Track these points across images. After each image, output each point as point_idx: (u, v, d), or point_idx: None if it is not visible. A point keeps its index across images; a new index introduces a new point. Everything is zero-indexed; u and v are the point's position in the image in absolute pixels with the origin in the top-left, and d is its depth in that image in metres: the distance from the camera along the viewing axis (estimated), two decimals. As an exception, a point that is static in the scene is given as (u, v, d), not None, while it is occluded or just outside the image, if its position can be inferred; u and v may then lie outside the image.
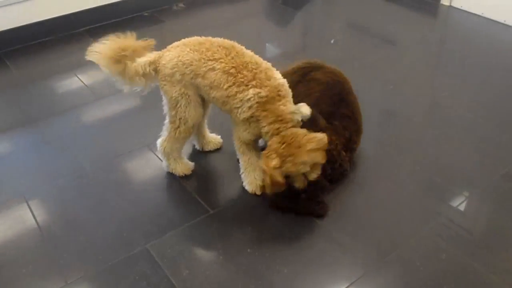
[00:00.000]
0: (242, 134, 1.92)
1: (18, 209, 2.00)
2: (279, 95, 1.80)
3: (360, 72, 2.93)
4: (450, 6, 3.78)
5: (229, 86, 1.81)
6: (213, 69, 1.82)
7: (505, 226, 1.90)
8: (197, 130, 2.22)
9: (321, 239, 1.85)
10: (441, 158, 2.25)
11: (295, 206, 1.95)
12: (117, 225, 1.92)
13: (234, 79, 1.80)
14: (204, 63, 1.83)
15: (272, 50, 3.37)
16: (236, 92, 1.80)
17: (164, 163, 2.15)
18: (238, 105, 1.82)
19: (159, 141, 2.11)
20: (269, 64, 1.88)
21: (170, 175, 2.17)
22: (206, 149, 2.30)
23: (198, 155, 2.31)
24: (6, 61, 3.13)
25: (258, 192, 2.02)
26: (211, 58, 1.83)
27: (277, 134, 1.80)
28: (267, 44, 3.43)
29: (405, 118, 2.48)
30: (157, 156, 2.27)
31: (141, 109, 2.67)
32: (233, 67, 1.80)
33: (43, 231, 1.90)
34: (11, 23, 3.25)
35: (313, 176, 1.86)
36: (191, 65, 1.86)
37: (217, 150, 2.32)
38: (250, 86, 1.78)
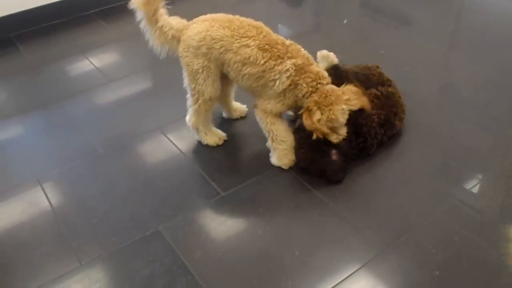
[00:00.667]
0: (276, 106, 1.98)
1: (32, 191, 2.02)
2: (309, 61, 1.94)
3: (373, 53, 2.89)
4: (466, -16, 3.69)
5: (266, 61, 1.90)
6: (247, 45, 1.90)
7: (520, 209, 1.88)
8: (224, 100, 2.31)
9: (333, 221, 1.84)
10: (454, 140, 2.23)
11: (321, 161, 1.98)
12: (130, 207, 1.93)
13: (269, 54, 1.90)
14: (237, 39, 1.91)
15: (284, 31, 3.33)
16: (274, 65, 1.90)
17: (196, 137, 2.23)
18: (276, 77, 1.91)
19: (187, 117, 2.20)
20: (291, 41, 1.99)
21: (182, 158, 2.18)
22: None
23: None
24: (17, 44, 3.14)
25: (286, 167, 2.07)
26: (244, 35, 1.91)
27: (315, 91, 1.91)
28: (279, 25, 3.38)
29: (419, 99, 2.45)
30: (169, 139, 2.27)
31: (153, 92, 2.67)
32: (266, 44, 1.91)
33: (57, 213, 1.92)
34: (22, 6, 3.24)
35: (342, 132, 1.95)
36: (222, 40, 1.92)
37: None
38: (285, 58, 1.90)
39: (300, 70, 1.90)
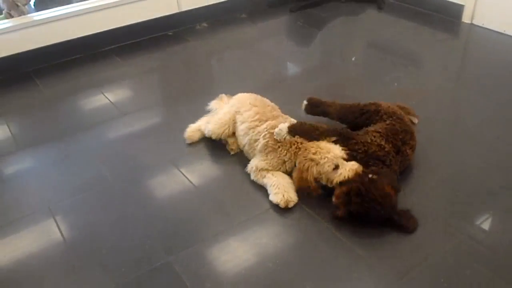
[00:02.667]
0: (260, 163, 2.18)
1: (44, 221, 2.05)
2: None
3: (381, 90, 2.94)
4: (472, 24, 3.77)
5: (253, 120, 2.27)
6: (250, 109, 2.32)
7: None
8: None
9: (344, 254, 1.84)
10: (464, 175, 2.23)
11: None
12: (140, 239, 1.94)
13: (259, 116, 2.28)
14: (247, 108, 2.35)
15: (294, 69, 3.41)
16: (256, 125, 2.25)
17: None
18: (257, 137, 2.22)
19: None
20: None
21: (193, 190, 2.20)
22: (233, 153, 2.44)
23: (220, 164, 2.34)
24: (35, 79, 3.23)
25: (282, 206, 2.06)
26: (253, 104, 2.36)
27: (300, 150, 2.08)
28: (288, 63, 3.47)
29: (427, 135, 2.47)
30: (180, 171, 2.30)
31: (165, 126, 2.72)
32: (263, 111, 2.30)
33: (68, 243, 1.94)
34: (40, 42, 3.36)
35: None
36: (236, 105, 2.42)
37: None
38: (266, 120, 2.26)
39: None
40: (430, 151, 2.38)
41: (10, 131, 2.69)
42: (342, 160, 1.99)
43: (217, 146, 2.46)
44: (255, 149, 2.23)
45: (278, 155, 2.14)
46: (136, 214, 2.07)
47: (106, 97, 2.99)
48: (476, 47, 3.61)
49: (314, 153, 2.01)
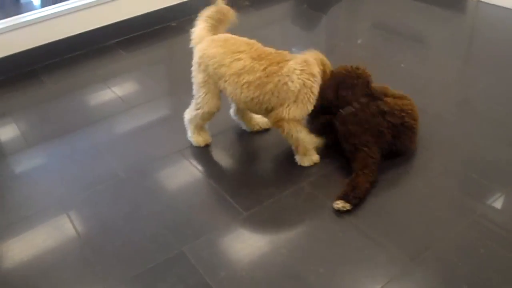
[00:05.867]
0: (296, 111, 2.03)
1: (57, 216, 2.06)
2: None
3: (388, 71, 2.91)
4: (479, 1, 3.71)
5: (266, 67, 1.99)
6: (239, 59, 2.02)
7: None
8: (243, 114, 2.40)
9: (356, 237, 1.83)
10: (475, 154, 2.21)
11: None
12: (153, 229, 1.95)
13: (266, 61, 2.00)
14: (229, 55, 2.04)
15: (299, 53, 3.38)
16: (276, 69, 1.98)
17: (188, 133, 2.38)
18: (285, 80, 1.98)
19: (185, 112, 2.35)
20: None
21: (203, 179, 2.20)
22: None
23: (228, 152, 2.34)
24: (41, 76, 3.24)
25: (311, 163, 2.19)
26: (236, 51, 2.04)
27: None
28: (293, 49, 3.44)
29: (436, 115, 2.45)
30: (189, 161, 2.30)
31: (172, 117, 2.72)
32: (258, 54, 2.02)
33: (81, 237, 1.95)
34: (45, 39, 3.36)
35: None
36: (215, 57, 2.07)
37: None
38: (286, 60, 2.01)
39: (305, 68, 2.00)
40: (440, 131, 2.36)
41: (18, 129, 2.71)
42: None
43: (225, 134, 2.46)
44: (286, 93, 2.00)
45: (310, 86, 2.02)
46: (148, 205, 2.08)
47: (113, 91, 2.99)
48: (484, 24, 3.56)
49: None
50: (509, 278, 1.64)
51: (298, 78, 1.97)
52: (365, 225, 1.88)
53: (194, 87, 2.24)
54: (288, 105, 2.02)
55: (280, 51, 2.08)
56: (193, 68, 2.22)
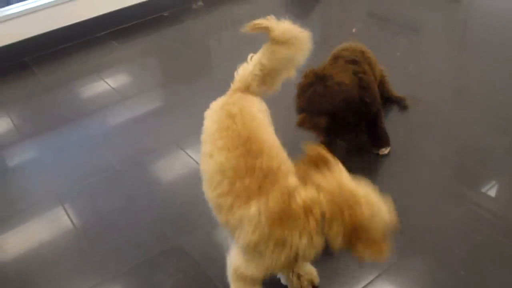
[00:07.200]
0: (248, 267, 1.32)
1: (53, 209, 2.05)
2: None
3: (384, 60, 2.90)
4: (473, -12, 3.71)
5: (227, 191, 1.30)
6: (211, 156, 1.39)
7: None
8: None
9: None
10: (470, 142, 2.22)
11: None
12: (150, 221, 1.95)
13: (236, 185, 1.28)
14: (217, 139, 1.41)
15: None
16: (233, 206, 1.28)
17: None
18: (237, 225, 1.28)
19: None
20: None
21: (198, 170, 2.19)
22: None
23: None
24: (33, 67, 3.20)
25: None
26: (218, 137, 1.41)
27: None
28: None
29: (432, 103, 2.45)
30: (186, 152, 2.29)
31: (167, 108, 2.70)
32: (247, 168, 1.29)
33: (78, 229, 1.94)
34: (36, 30, 3.32)
35: None
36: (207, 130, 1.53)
37: None
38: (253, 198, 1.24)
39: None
40: (436, 119, 2.37)
41: (11, 121, 2.68)
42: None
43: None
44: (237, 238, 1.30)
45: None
46: (144, 197, 2.07)
47: (106, 82, 2.96)
48: (478, 12, 3.55)
49: None
50: (504, 263, 1.65)
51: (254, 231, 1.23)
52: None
53: None
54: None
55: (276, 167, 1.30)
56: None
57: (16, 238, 1.93)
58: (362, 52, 2.17)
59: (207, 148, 1.44)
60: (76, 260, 1.81)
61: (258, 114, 1.49)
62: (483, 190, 1.96)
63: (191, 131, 2.42)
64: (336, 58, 2.11)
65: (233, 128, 1.40)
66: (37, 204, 2.08)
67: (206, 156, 1.43)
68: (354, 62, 2.05)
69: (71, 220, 1.98)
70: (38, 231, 1.95)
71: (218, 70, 2.69)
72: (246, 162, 1.30)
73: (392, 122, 2.25)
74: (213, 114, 1.53)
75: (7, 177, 2.27)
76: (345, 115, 1.93)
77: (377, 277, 1.64)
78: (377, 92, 2.09)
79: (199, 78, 2.76)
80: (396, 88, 2.51)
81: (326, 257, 1.71)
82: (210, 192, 1.38)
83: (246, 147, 1.33)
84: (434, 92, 2.56)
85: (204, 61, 3.17)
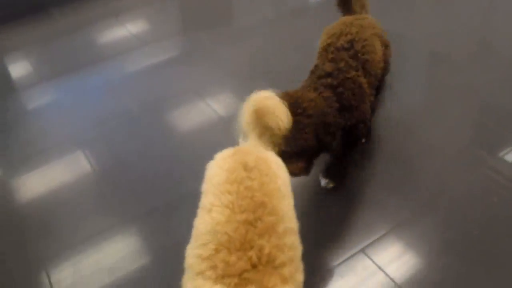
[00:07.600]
0: None
1: (72, 151, 2.08)
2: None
3: (405, 15, 2.82)
4: None
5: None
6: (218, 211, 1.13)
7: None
8: None
9: (369, 180, 1.85)
10: (492, 101, 2.18)
11: None
12: (167, 166, 1.97)
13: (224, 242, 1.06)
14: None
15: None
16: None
17: None
18: None
19: None
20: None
21: (217, 119, 2.19)
22: None
23: (244, 94, 2.31)
24: (51, 9, 3.16)
25: None
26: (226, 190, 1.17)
27: None
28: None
29: (454, 61, 2.39)
30: (204, 100, 2.29)
31: (186, 56, 2.67)
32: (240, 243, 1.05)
33: (96, 172, 1.97)
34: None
35: None
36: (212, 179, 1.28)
37: None
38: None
39: None
40: (458, 76, 2.32)
41: (29, 63, 2.68)
42: None
43: (242, 75, 2.42)
44: None
45: None
46: (162, 142, 2.09)
47: (125, 26, 2.93)
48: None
49: None
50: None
51: None
52: (379, 170, 1.88)
53: None
54: None
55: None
56: None
57: (36, 178, 1.97)
58: (356, 41, 1.70)
59: (208, 200, 1.18)
60: (95, 201, 1.85)
61: (279, 172, 1.24)
62: (501, 154, 1.94)
63: (211, 81, 2.42)
64: (326, 50, 1.72)
65: (248, 184, 1.15)
66: (56, 146, 2.11)
67: (203, 210, 1.17)
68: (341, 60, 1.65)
69: (90, 163, 2.01)
70: (57, 172, 1.99)
71: (239, 18, 2.63)
72: (247, 235, 1.05)
73: (412, 80, 2.21)
74: (221, 162, 1.29)
75: (27, 118, 2.29)
76: (325, 142, 1.58)
77: (389, 231, 1.66)
78: (366, 108, 1.70)
79: (220, 26, 2.71)
80: (418, 44, 2.45)
81: (345, 205, 1.74)
82: (190, 248, 1.13)
83: (255, 215, 1.09)
84: (458, 48, 2.49)
85: (224, 8, 3.11)
